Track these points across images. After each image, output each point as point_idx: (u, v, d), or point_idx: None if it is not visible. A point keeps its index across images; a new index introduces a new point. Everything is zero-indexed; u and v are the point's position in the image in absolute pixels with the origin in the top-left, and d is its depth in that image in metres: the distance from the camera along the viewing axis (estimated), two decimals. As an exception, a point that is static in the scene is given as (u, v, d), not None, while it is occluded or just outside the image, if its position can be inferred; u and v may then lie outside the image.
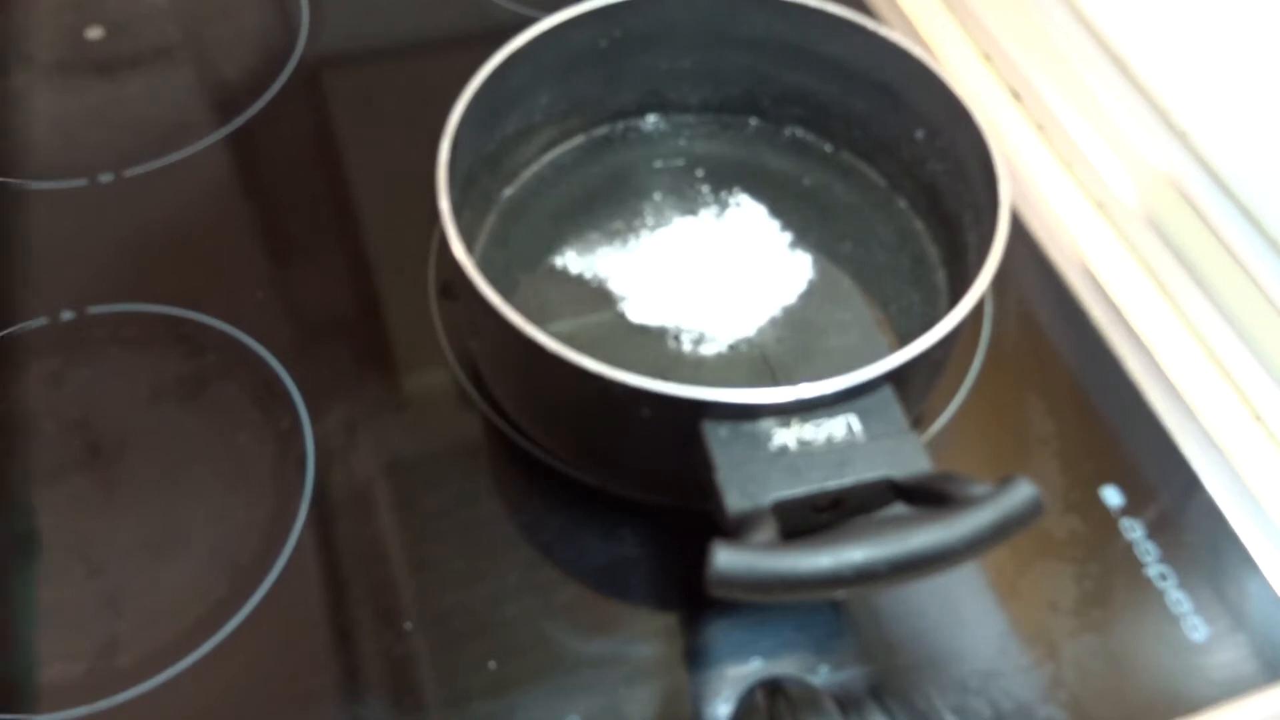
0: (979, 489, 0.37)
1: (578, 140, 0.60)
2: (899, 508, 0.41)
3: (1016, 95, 0.72)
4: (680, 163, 0.60)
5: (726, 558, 0.35)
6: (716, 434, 0.41)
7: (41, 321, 0.56)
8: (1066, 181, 0.67)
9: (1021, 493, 0.36)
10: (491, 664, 0.46)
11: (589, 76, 0.57)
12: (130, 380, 0.55)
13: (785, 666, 0.47)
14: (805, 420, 0.41)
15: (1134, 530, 0.52)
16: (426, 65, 0.71)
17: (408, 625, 0.47)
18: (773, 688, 0.44)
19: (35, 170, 0.63)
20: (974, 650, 0.48)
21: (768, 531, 0.37)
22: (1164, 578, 0.50)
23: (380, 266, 0.60)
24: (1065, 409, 0.56)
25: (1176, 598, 0.50)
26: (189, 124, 0.66)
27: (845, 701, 0.46)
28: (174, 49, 0.71)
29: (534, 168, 0.58)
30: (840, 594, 0.42)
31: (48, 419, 0.53)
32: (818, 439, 0.41)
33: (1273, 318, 0.57)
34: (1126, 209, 0.65)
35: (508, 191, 0.57)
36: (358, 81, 0.71)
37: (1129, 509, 0.52)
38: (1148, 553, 0.51)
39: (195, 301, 0.57)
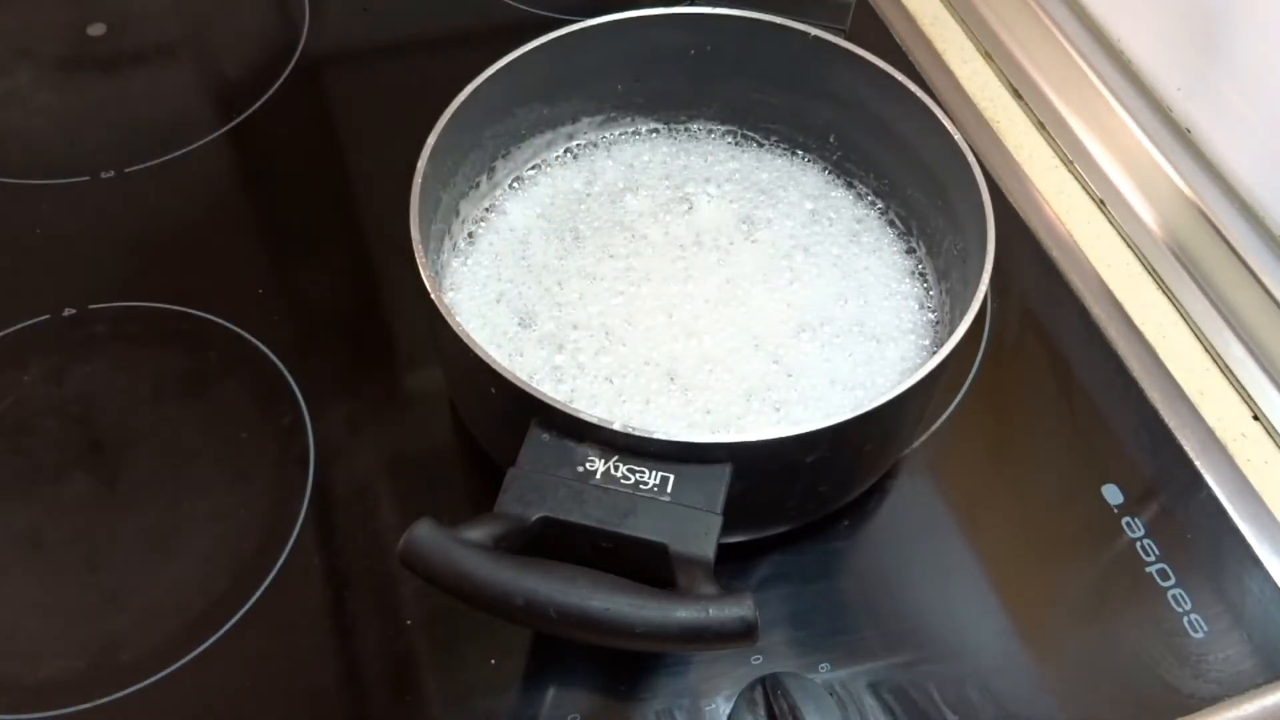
0: (708, 589, 0.37)
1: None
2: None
3: (1017, 94, 0.72)
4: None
5: (425, 532, 0.35)
6: (539, 436, 0.41)
7: (44, 318, 0.56)
8: (1067, 179, 0.68)
9: (733, 610, 0.35)
10: (493, 661, 0.47)
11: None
12: (132, 377, 0.55)
13: (786, 664, 0.47)
14: (625, 461, 0.40)
15: (1135, 528, 0.52)
16: (428, 63, 0.71)
17: (408, 621, 0.47)
18: (773, 685, 0.44)
19: (37, 167, 0.63)
20: (974, 648, 0.48)
21: (490, 531, 0.37)
22: (1165, 576, 0.50)
23: (382, 264, 0.60)
24: (1065, 407, 0.56)
25: (1177, 596, 0.50)
26: (191, 121, 0.66)
27: (845, 699, 0.46)
28: (176, 46, 0.71)
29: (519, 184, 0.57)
30: (534, 624, 0.39)
31: (49, 416, 0.53)
32: (626, 481, 0.40)
33: (1274, 315, 0.58)
34: (1127, 207, 0.65)
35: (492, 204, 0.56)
36: (359, 79, 0.71)
37: (1130, 507, 0.52)
38: (1148, 551, 0.51)
39: (197, 298, 0.57)
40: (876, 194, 0.57)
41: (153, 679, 0.46)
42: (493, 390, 0.42)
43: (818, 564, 0.50)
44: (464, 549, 0.36)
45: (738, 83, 0.57)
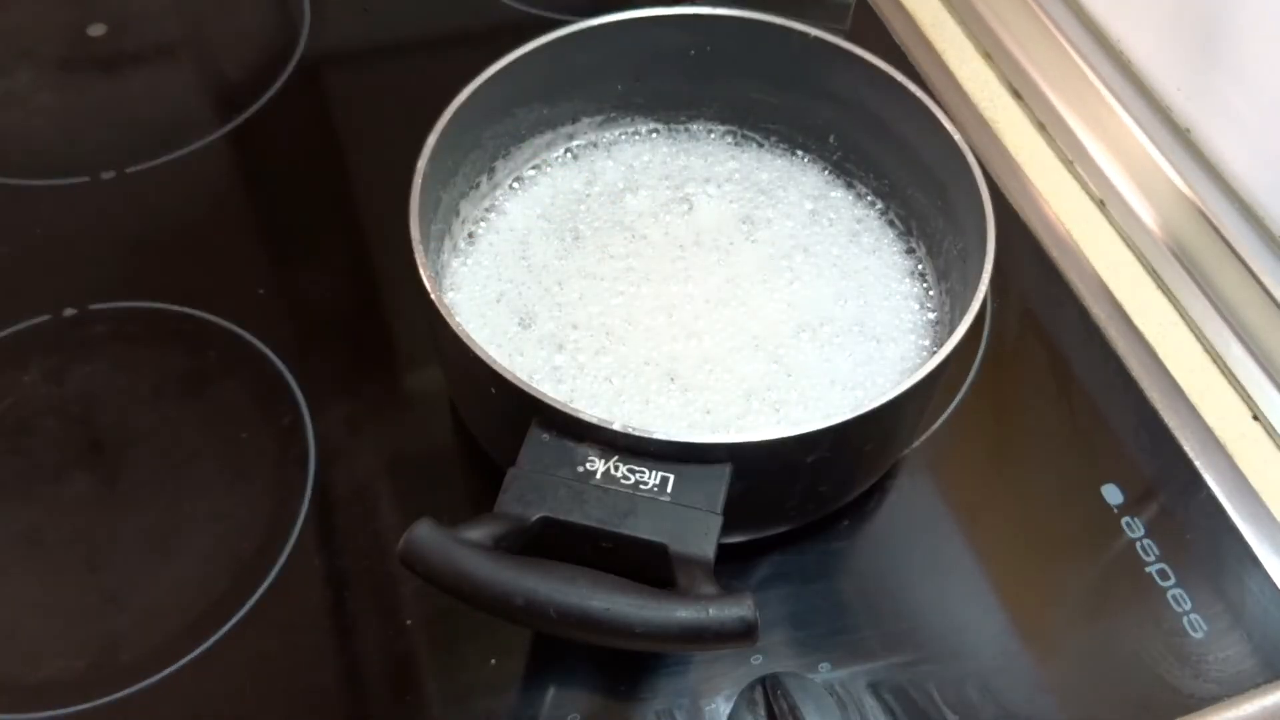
0: (708, 589, 0.37)
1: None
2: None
3: (1017, 94, 0.72)
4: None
5: (425, 532, 0.35)
6: (539, 436, 0.41)
7: (44, 318, 0.56)
8: (1067, 179, 0.67)
9: (733, 610, 0.35)
10: (493, 661, 0.47)
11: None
12: (132, 377, 0.55)
13: (786, 664, 0.47)
14: (625, 461, 0.41)
15: (1135, 528, 0.52)
16: (428, 63, 0.71)
17: (408, 621, 0.47)
18: (773, 685, 0.44)
19: (37, 167, 0.63)
20: (974, 648, 0.48)
21: (490, 531, 0.37)
22: (1165, 576, 0.50)
23: (382, 264, 0.60)
24: (1065, 407, 0.56)
25: (1177, 596, 0.50)
26: (191, 121, 0.66)
27: (845, 699, 0.46)
28: (176, 46, 0.71)
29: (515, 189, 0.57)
30: (534, 624, 0.39)
31: (50, 416, 0.53)
32: (626, 481, 0.40)
33: (1274, 315, 0.58)
34: (1127, 207, 0.65)
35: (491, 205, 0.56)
36: (359, 80, 0.71)
37: (1130, 507, 0.52)
38: (1148, 551, 0.51)
39: (197, 298, 0.57)
40: (876, 194, 0.57)
41: (153, 679, 0.46)
42: (493, 390, 0.42)
43: (818, 564, 0.50)
44: (464, 549, 0.36)
45: (738, 83, 0.57)
